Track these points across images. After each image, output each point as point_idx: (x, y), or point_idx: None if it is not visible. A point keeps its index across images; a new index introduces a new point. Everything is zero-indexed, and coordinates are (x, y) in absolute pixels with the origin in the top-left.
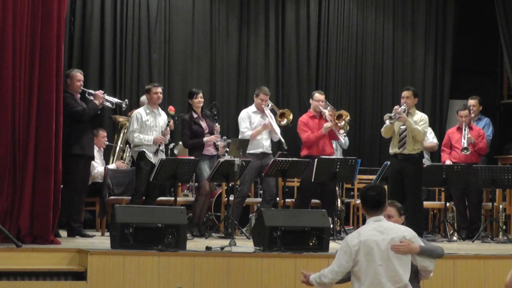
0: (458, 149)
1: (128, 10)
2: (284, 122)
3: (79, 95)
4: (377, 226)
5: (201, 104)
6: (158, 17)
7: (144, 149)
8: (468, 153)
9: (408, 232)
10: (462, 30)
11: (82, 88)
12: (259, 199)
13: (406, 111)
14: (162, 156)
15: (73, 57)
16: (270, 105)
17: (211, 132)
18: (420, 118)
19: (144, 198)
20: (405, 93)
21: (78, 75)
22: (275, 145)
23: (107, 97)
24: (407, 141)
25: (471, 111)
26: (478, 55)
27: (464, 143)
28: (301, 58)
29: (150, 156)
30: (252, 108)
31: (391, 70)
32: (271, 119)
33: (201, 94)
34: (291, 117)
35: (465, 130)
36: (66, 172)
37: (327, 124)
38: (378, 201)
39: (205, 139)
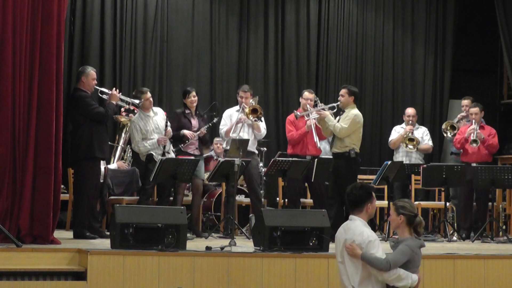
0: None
1: (128, 11)
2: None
3: None
4: (345, 224)
5: (195, 104)
6: (158, 17)
7: (151, 152)
8: (476, 146)
9: (360, 237)
10: (462, 30)
11: (96, 86)
12: None
13: (335, 109)
14: (171, 156)
15: (73, 57)
16: (253, 102)
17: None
18: (346, 115)
19: (154, 198)
20: (341, 91)
21: (93, 73)
22: (275, 144)
23: (121, 97)
24: (335, 139)
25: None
26: (478, 55)
27: (474, 135)
28: (301, 58)
29: (158, 158)
30: (236, 107)
31: (391, 70)
32: (242, 115)
33: (193, 93)
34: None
35: (475, 124)
36: (87, 175)
37: (310, 122)
38: (356, 201)
39: (182, 131)
